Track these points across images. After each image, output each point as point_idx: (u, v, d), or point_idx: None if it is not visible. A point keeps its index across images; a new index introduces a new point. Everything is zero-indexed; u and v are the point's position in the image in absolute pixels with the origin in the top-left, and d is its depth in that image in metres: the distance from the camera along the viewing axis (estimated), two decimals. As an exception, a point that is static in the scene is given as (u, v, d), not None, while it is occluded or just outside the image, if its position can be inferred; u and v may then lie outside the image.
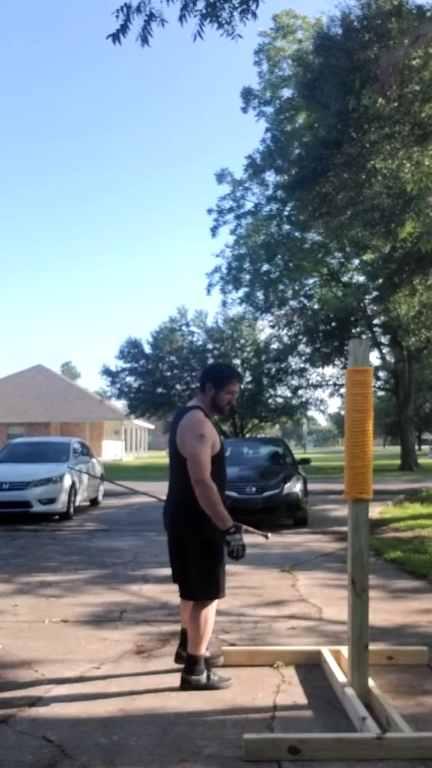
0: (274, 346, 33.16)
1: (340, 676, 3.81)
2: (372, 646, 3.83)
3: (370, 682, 3.68)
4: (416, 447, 42.95)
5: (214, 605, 3.95)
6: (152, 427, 54.31)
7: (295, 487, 11.33)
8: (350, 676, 3.70)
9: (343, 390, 33.76)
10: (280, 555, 8.45)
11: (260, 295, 31.80)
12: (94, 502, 14.81)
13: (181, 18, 7.10)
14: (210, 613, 3.90)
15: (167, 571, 4.25)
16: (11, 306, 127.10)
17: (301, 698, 3.74)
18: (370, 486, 3.68)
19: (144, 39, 7.03)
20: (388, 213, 13.56)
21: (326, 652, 4.20)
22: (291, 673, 4.10)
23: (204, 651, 3.88)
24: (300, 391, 35.88)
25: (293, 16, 28.46)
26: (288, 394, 37.13)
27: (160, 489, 4.92)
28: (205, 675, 3.83)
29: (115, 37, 6.92)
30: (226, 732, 3.28)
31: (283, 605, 5.86)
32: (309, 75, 15.46)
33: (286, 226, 29.30)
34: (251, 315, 34.44)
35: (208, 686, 3.79)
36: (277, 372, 34.43)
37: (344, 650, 3.99)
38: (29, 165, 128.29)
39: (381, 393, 41.25)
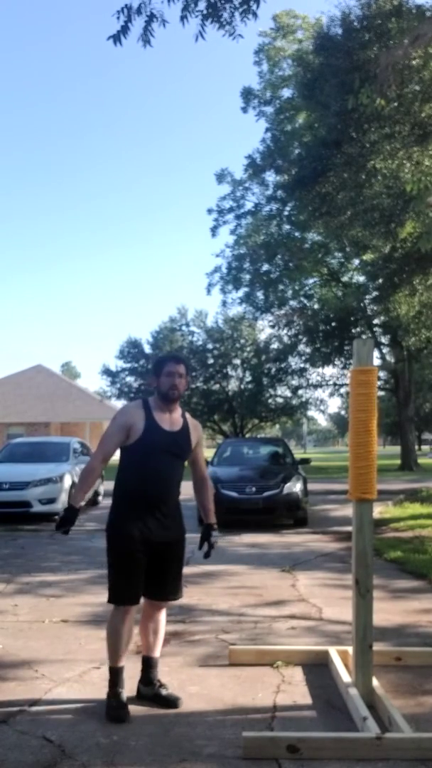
0: (274, 346, 33.21)
1: (345, 676, 3.81)
2: (380, 647, 3.83)
3: (374, 682, 3.69)
4: (416, 447, 42.97)
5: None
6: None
7: (295, 487, 11.33)
8: (354, 676, 3.71)
9: (343, 390, 33.92)
10: (280, 555, 8.46)
11: (260, 295, 31.81)
12: (94, 502, 14.81)
13: (183, 18, 7.09)
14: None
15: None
16: (11, 306, 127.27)
17: (302, 698, 3.74)
18: (374, 486, 3.69)
19: (145, 40, 7.03)
20: (388, 213, 13.56)
21: (333, 652, 4.21)
22: (291, 673, 4.11)
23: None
24: (300, 391, 35.91)
25: (293, 16, 28.45)
26: (288, 394, 37.15)
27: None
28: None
29: (116, 38, 6.92)
30: (226, 732, 3.28)
31: (283, 605, 5.86)
32: (309, 75, 15.48)
33: (286, 226, 29.29)
34: (251, 315, 34.46)
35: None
36: (277, 372, 34.44)
37: (351, 650, 3.99)
38: (30, 165, 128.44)
39: (381, 393, 41.26)
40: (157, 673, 3.76)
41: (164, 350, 37.66)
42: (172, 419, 3.69)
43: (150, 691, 3.68)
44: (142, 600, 3.67)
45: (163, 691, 3.67)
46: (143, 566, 3.57)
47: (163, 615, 3.80)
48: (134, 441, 3.58)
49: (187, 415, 3.82)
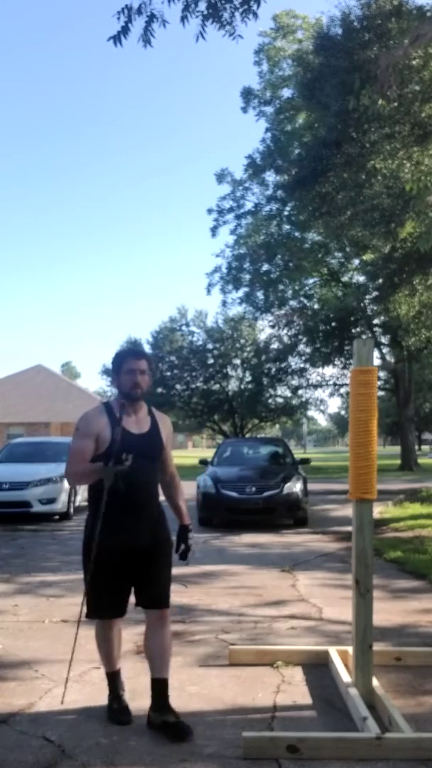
0: (274, 346, 33.21)
1: (345, 676, 3.81)
2: (380, 647, 3.83)
3: (374, 682, 3.69)
4: (416, 447, 42.96)
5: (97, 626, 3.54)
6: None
7: (295, 487, 11.33)
8: (354, 676, 3.71)
9: (343, 390, 33.92)
10: (280, 555, 8.45)
11: (260, 295, 31.80)
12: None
13: (183, 19, 7.09)
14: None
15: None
16: (11, 306, 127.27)
17: (301, 698, 3.74)
18: (375, 486, 3.69)
19: (146, 40, 7.03)
20: (388, 213, 13.56)
21: (333, 652, 4.21)
22: (291, 673, 4.11)
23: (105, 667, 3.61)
24: (300, 391, 35.93)
25: (293, 16, 28.45)
26: (288, 394, 37.16)
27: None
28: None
29: (117, 38, 6.92)
30: (226, 732, 3.28)
31: (283, 605, 5.86)
32: (309, 75, 15.46)
33: (286, 226, 29.29)
34: (251, 315, 34.47)
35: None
36: (277, 372, 34.46)
37: (351, 650, 3.99)
38: (30, 166, 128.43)
39: (381, 393, 41.27)
40: (167, 699, 3.38)
41: (164, 350, 37.66)
42: (139, 420, 3.41)
43: (158, 718, 3.30)
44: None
45: (171, 718, 3.27)
46: (124, 578, 3.36)
47: (166, 629, 3.41)
48: (103, 452, 3.29)
49: (154, 411, 3.52)
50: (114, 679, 3.55)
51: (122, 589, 3.40)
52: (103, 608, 3.41)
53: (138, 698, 3.70)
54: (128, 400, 3.37)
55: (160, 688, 3.36)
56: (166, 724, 3.24)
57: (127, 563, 3.35)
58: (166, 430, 3.49)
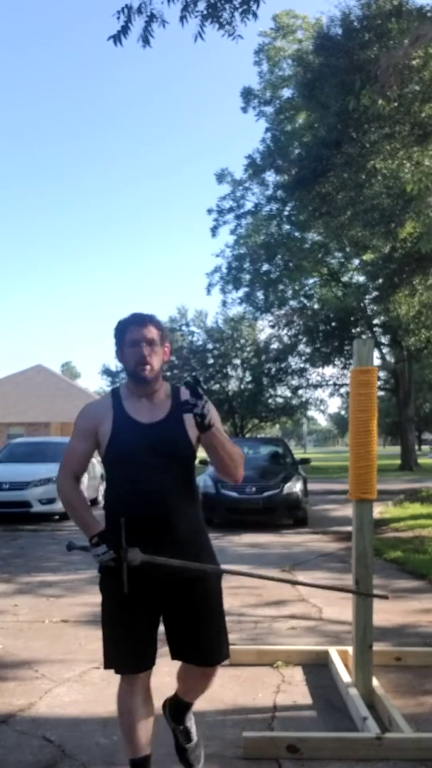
0: (274, 346, 33.25)
1: (345, 676, 3.81)
2: (380, 647, 3.83)
3: (374, 682, 3.69)
4: (416, 447, 42.97)
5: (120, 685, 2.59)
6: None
7: (295, 487, 11.34)
8: (354, 676, 3.71)
9: (343, 390, 33.94)
10: (280, 555, 8.45)
11: (260, 295, 31.84)
12: (94, 502, 14.78)
13: (182, 19, 7.10)
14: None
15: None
16: (11, 306, 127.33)
17: (302, 698, 3.74)
18: (375, 486, 3.69)
19: (145, 40, 7.05)
20: (388, 213, 13.57)
21: (333, 652, 4.21)
22: (291, 673, 4.10)
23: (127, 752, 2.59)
24: (300, 391, 35.95)
25: (293, 16, 28.45)
26: (288, 394, 37.17)
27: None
28: None
29: (116, 38, 6.93)
30: (226, 732, 3.28)
31: (283, 605, 5.86)
32: (309, 75, 15.48)
33: (286, 226, 29.31)
34: (251, 315, 34.52)
35: None
36: (277, 372, 34.48)
37: (351, 650, 3.99)
38: (30, 166, 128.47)
39: (381, 393, 41.30)
40: (188, 719, 2.80)
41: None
42: (155, 405, 2.56)
43: (176, 728, 2.79)
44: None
45: (189, 747, 2.78)
46: (142, 618, 2.52)
47: (209, 680, 2.73)
48: (105, 448, 2.55)
49: (182, 392, 2.57)
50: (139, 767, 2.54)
51: (132, 634, 2.52)
52: (119, 658, 2.54)
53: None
54: (135, 382, 2.56)
55: (181, 705, 2.79)
56: (181, 750, 2.80)
57: (149, 598, 2.51)
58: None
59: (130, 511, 2.42)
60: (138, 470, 2.46)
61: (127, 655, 2.51)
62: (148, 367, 2.51)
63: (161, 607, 2.55)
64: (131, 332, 2.55)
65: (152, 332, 2.55)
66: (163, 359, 2.59)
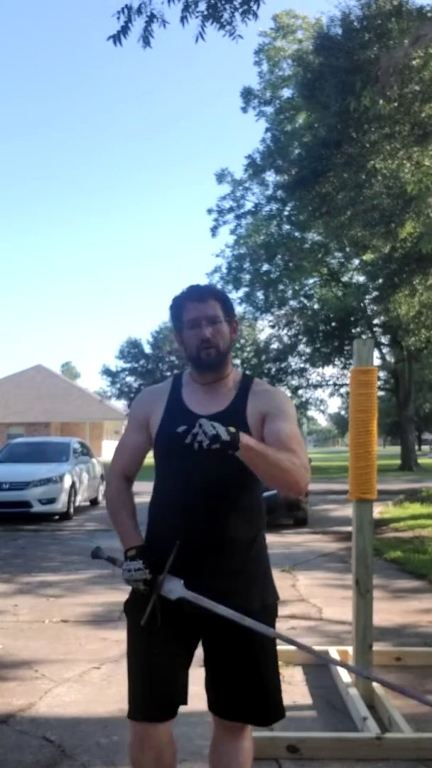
0: (274, 346, 33.20)
1: (345, 676, 3.81)
2: (380, 647, 3.83)
3: (374, 683, 3.69)
4: (416, 447, 42.98)
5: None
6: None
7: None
8: (354, 676, 3.71)
9: (343, 390, 33.93)
10: (280, 555, 8.45)
11: (260, 295, 31.81)
12: (94, 502, 14.80)
13: (183, 19, 7.10)
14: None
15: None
16: (11, 306, 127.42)
17: (302, 698, 3.74)
18: (374, 486, 3.69)
19: (145, 40, 7.05)
20: (388, 213, 13.57)
21: (333, 652, 4.21)
22: (291, 673, 4.10)
23: None
24: (300, 391, 35.90)
25: (293, 16, 28.46)
26: (288, 394, 37.12)
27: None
28: None
29: (116, 38, 6.94)
30: (226, 732, 3.27)
31: (283, 605, 5.80)
32: (309, 75, 15.48)
33: (286, 226, 29.30)
34: (251, 315, 34.45)
35: None
36: (277, 372, 34.42)
37: (351, 650, 3.99)
38: (29, 165, 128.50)
39: (381, 393, 41.30)
40: None
41: (164, 350, 37.66)
42: (214, 396, 2.14)
43: None
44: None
45: None
46: (172, 659, 2.05)
47: (241, 743, 2.24)
48: (153, 442, 2.17)
49: (255, 383, 2.18)
50: None
51: (158, 677, 2.03)
52: (134, 700, 2.04)
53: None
54: (197, 368, 2.15)
55: None
56: None
57: (166, 636, 2.03)
58: (260, 407, 2.09)
59: (173, 522, 2.05)
60: (186, 469, 2.03)
61: (140, 701, 2.02)
62: (212, 350, 2.09)
63: (205, 650, 2.10)
64: (189, 310, 2.12)
65: (214, 308, 2.12)
66: (231, 338, 2.16)
